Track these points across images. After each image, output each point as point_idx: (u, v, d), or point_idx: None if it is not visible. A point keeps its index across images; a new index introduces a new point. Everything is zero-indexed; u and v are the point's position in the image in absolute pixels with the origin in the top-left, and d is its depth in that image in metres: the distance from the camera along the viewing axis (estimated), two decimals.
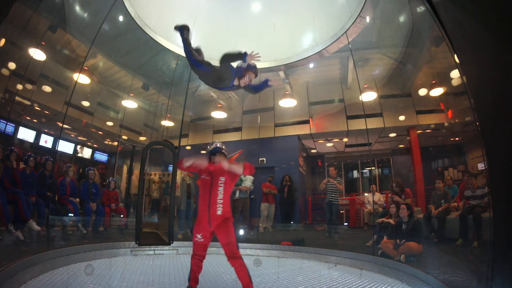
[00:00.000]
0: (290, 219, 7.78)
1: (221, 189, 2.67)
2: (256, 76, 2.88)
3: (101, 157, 8.31)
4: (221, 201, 2.64)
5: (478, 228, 4.35)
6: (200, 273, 2.77)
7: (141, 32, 5.34)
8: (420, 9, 4.74)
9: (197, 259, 2.71)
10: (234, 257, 2.59)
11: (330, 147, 10.41)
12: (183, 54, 5.88)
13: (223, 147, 2.86)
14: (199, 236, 2.67)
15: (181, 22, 3.31)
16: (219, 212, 2.63)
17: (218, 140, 3.02)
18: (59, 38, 5.90)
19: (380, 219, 5.24)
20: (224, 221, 2.67)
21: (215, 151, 2.80)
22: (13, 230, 4.05)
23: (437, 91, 6.78)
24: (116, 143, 8.22)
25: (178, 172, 5.80)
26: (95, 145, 8.13)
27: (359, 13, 4.87)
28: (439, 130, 7.55)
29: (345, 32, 5.23)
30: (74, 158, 7.42)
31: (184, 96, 6.91)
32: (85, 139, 7.94)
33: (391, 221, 4.92)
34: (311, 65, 7.52)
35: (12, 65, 5.13)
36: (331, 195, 6.36)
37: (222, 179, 2.68)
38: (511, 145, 1.78)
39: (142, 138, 8.71)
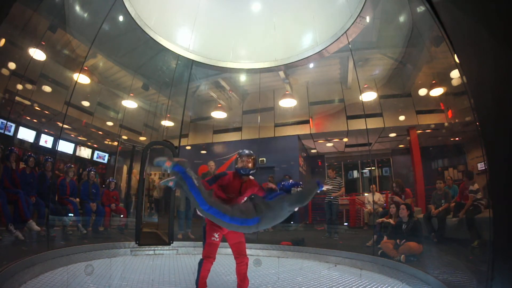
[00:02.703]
0: (290, 219, 7.75)
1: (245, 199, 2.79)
2: None
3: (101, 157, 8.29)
4: None
5: (471, 228, 4.36)
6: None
7: (141, 32, 5.34)
8: (420, 9, 4.73)
9: (210, 262, 2.67)
10: (243, 255, 2.75)
11: (330, 147, 10.41)
12: (183, 53, 5.99)
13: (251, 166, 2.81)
14: (216, 235, 2.67)
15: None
16: None
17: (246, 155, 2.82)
18: (59, 38, 5.89)
19: (380, 219, 5.24)
20: None
21: (246, 173, 2.79)
22: (13, 230, 4.04)
23: (437, 91, 6.76)
24: (116, 143, 8.21)
25: None
26: (95, 145, 8.12)
27: (359, 13, 4.87)
28: (439, 130, 7.53)
29: (345, 32, 5.24)
30: (74, 158, 7.41)
31: (184, 96, 6.91)
32: (85, 139, 7.93)
33: (391, 221, 4.92)
34: (311, 65, 7.52)
35: (12, 65, 5.12)
36: (331, 195, 6.36)
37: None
38: (511, 145, 1.78)
39: (142, 138, 8.69)
